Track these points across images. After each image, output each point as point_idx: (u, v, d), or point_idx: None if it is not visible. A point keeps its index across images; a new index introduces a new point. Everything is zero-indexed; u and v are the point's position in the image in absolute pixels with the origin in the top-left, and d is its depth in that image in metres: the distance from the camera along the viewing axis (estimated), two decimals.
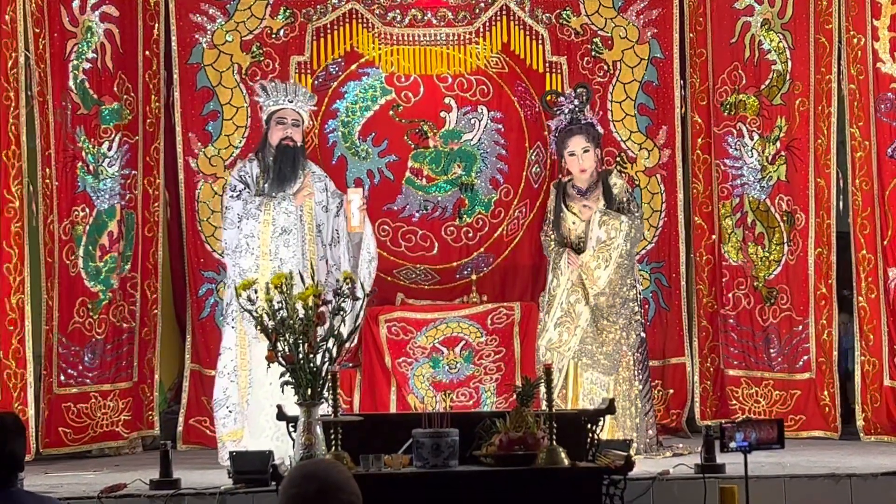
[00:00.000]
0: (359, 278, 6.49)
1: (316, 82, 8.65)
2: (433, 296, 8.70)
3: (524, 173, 8.86)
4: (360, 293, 5.59)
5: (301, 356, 5.40)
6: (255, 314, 5.50)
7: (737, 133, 8.58)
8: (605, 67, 8.75)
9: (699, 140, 8.73)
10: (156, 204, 8.39)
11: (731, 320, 8.56)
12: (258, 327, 5.52)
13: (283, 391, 5.62)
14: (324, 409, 5.48)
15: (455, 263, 8.86)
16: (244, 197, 7.22)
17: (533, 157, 8.87)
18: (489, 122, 8.91)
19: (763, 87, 8.51)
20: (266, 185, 7.28)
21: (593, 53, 8.75)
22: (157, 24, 8.40)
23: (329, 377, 5.41)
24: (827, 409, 8.23)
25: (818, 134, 8.30)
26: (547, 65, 8.69)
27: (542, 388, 5.50)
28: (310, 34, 8.57)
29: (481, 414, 6.25)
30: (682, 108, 8.77)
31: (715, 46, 8.66)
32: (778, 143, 8.47)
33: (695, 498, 5.88)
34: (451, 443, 5.36)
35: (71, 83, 7.89)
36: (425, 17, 8.72)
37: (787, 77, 8.44)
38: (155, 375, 8.36)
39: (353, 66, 8.83)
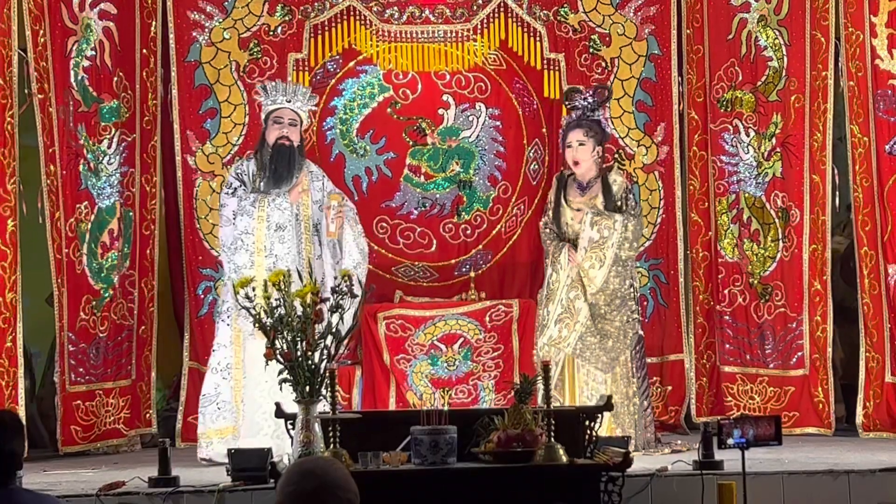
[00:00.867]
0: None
1: (314, 80, 8.64)
2: (432, 293, 8.70)
3: (522, 170, 8.86)
4: (357, 291, 5.60)
5: (299, 353, 5.41)
6: (252, 311, 5.51)
7: (733, 129, 8.58)
8: (603, 64, 8.75)
9: (696, 137, 8.73)
10: (153, 202, 8.39)
11: (727, 317, 8.56)
12: (256, 325, 5.53)
13: (281, 389, 5.63)
14: (321, 406, 5.49)
15: (453, 261, 8.86)
16: (239, 194, 7.23)
17: (531, 154, 8.87)
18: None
19: (759, 83, 8.51)
20: (262, 184, 7.29)
21: (591, 50, 8.75)
22: (154, 22, 8.40)
23: (327, 374, 5.42)
24: (821, 405, 8.23)
25: (813, 130, 8.30)
26: (545, 62, 8.68)
27: (540, 385, 5.51)
28: (307, 31, 8.56)
29: (480, 411, 6.25)
30: (680, 105, 8.77)
31: (712, 43, 8.66)
32: (773, 140, 8.47)
33: (693, 494, 5.89)
34: (449, 440, 5.37)
35: (72, 80, 7.89)
36: (423, 14, 8.71)
37: (784, 73, 8.44)
38: (152, 373, 8.36)
39: (351, 64, 8.82)
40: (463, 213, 8.87)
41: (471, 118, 8.91)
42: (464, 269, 8.78)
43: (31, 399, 8.41)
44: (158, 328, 8.45)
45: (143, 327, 8.28)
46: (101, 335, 7.95)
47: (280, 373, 5.48)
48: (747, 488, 5.58)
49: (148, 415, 8.32)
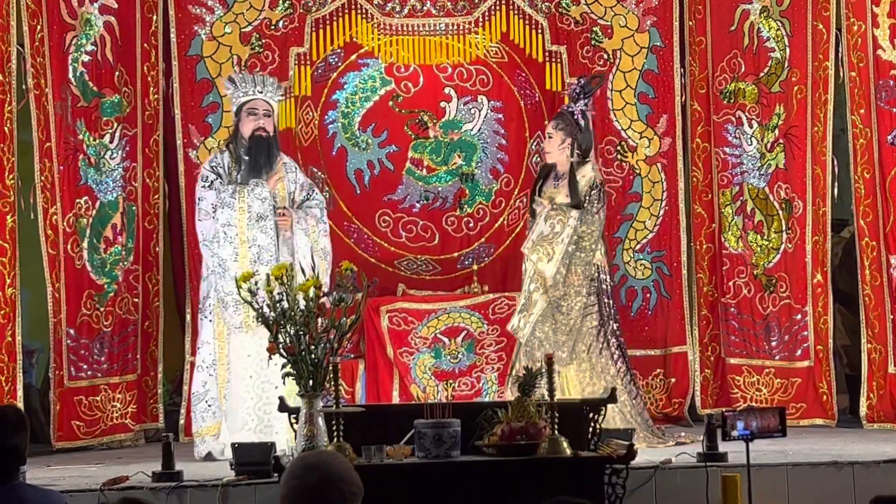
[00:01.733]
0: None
1: (315, 73, 8.64)
2: (434, 286, 8.70)
3: (525, 163, 8.85)
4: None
5: (302, 347, 5.40)
6: (255, 305, 5.50)
7: (736, 121, 8.57)
8: (605, 56, 8.74)
9: (699, 128, 8.72)
10: (156, 196, 8.38)
11: (732, 309, 8.55)
12: (259, 318, 5.52)
13: (284, 383, 5.62)
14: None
15: (456, 254, 8.86)
16: (216, 186, 7.13)
17: (533, 147, 8.86)
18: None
19: (762, 74, 8.50)
20: (239, 176, 7.21)
21: (593, 42, 8.73)
22: (155, 16, 8.39)
23: (331, 368, 5.41)
24: (825, 396, 8.23)
25: (815, 122, 8.29)
26: (547, 54, 8.67)
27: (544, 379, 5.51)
28: (309, 25, 8.55)
29: (483, 404, 6.25)
30: (682, 97, 8.75)
31: (714, 34, 8.64)
32: (776, 131, 8.46)
33: (697, 486, 5.89)
34: (453, 433, 5.36)
35: (70, 76, 7.89)
36: (424, 7, 8.70)
37: (786, 65, 8.43)
38: (158, 368, 8.36)
39: (353, 57, 8.82)
40: (465, 206, 8.87)
41: (473, 111, 8.90)
42: (466, 262, 8.78)
43: (35, 394, 8.40)
44: (163, 322, 8.44)
45: (147, 322, 8.28)
46: (105, 330, 7.95)
47: (283, 367, 5.48)
48: (751, 480, 5.57)
49: (154, 409, 8.32)
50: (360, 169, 8.82)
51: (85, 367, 7.86)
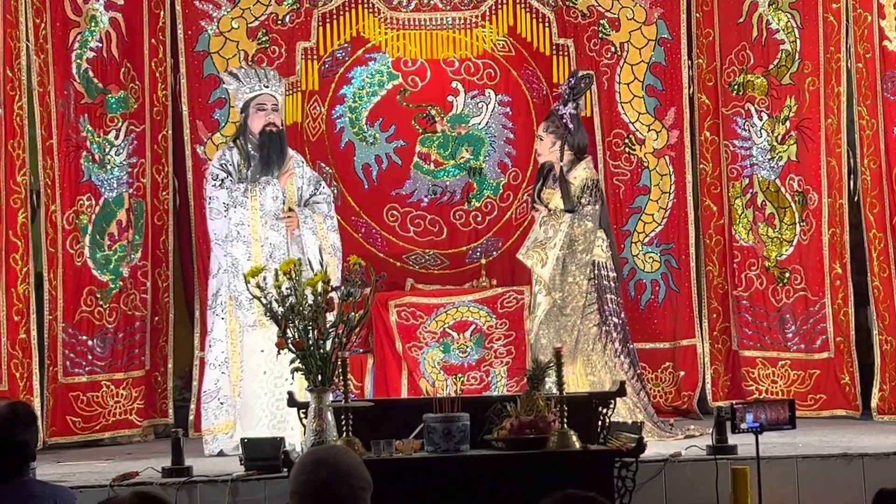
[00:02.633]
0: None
1: (323, 68, 8.64)
2: (443, 280, 8.69)
3: (532, 157, 8.83)
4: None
5: (311, 342, 5.40)
6: (263, 301, 5.50)
7: (745, 113, 8.55)
8: (613, 49, 8.72)
9: (707, 121, 8.70)
10: (164, 192, 8.39)
11: (745, 301, 8.54)
12: (268, 314, 5.53)
13: (293, 377, 5.62)
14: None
15: (464, 248, 8.85)
16: (227, 185, 7.13)
17: None
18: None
19: (771, 66, 8.48)
20: (249, 173, 7.21)
21: (600, 35, 8.72)
22: (162, 12, 8.39)
23: (339, 363, 5.41)
24: (847, 388, 8.21)
25: (828, 113, 8.27)
26: (554, 47, 8.66)
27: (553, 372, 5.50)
28: (316, 20, 8.54)
29: (492, 398, 6.25)
30: (690, 89, 8.74)
31: (722, 26, 8.62)
32: (788, 123, 8.43)
33: (707, 479, 5.88)
34: (462, 427, 5.36)
35: (74, 72, 7.90)
36: (431, 2, 8.69)
37: (796, 56, 8.40)
38: (168, 363, 8.37)
39: (360, 52, 8.81)
40: (473, 201, 8.86)
41: (480, 105, 8.89)
42: (475, 257, 8.77)
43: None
44: (173, 318, 8.45)
45: (157, 318, 8.29)
46: (108, 326, 7.96)
47: (292, 362, 5.48)
48: (761, 473, 5.57)
49: (163, 405, 8.33)
50: (367, 163, 8.82)
51: (83, 363, 7.88)
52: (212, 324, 7.22)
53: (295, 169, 7.30)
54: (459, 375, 7.92)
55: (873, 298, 8.06)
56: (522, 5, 8.64)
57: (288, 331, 5.45)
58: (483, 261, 8.64)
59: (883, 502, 3.36)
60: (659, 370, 8.59)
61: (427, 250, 8.81)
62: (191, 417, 8.25)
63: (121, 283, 8.04)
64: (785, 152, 8.44)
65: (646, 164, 8.71)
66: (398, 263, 8.72)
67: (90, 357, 7.91)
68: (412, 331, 8.23)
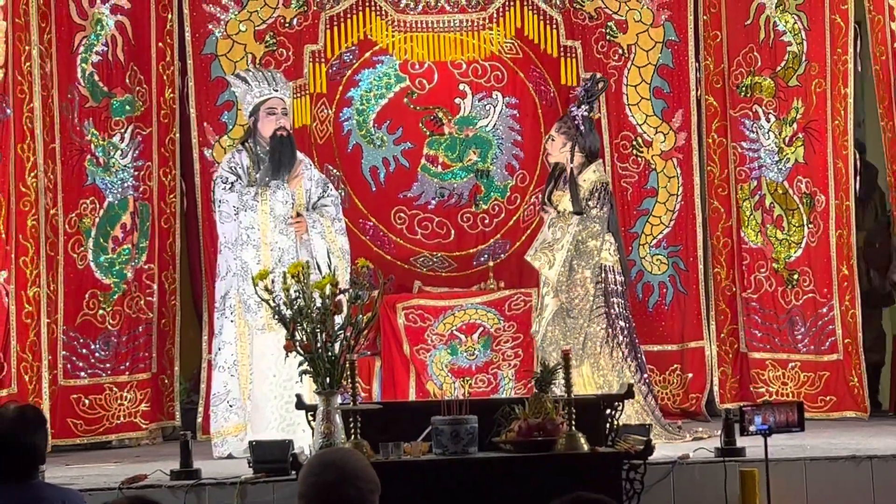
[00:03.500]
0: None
1: (330, 71, 8.65)
2: (450, 283, 8.70)
3: (540, 159, 8.83)
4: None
5: (319, 345, 5.41)
6: (272, 304, 5.51)
7: (753, 115, 8.55)
8: (620, 51, 8.72)
9: (714, 123, 8.69)
10: (172, 195, 8.40)
11: (754, 303, 8.53)
12: (276, 316, 5.53)
13: (301, 380, 5.62)
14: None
15: (472, 250, 8.86)
16: (237, 188, 7.12)
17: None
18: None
19: (779, 68, 8.47)
20: (259, 176, 7.20)
21: (608, 37, 8.72)
22: (170, 15, 8.40)
23: (347, 365, 5.42)
24: (856, 390, 8.20)
25: (835, 115, 8.26)
26: (561, 50, 8.66)
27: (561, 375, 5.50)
28: (323, 23, 8.55)
29: (500, 400, 6.25)
30: (698, 91, 8.73)
31: (730, 28, 8.62)
32: (795, 125, 8.43)
33: (715, 481, 5.88)
34: (470, 430, 5.36)
35: (79, 76, 7.93)
36: (438, 4, 8.70)
37: (803, 58, 8.40)
38: (175, 366, 8.38)
39: (367, 54, 8.82)
40: (481, 203, 8.87)
41: (488, 107, 8.90)
42: (482, 259, 8.77)
43: None
44: (180, 321, 8.47)
45: (164, 320, 8.30)
46: (111, 329, 7.98)
47: (300, 364, 5.48)
48: (769, 475, 5.56)
49: (171, 408, 8.34)
50: (375, 166, 8.82)
51: (84, 365, 7.89)
52: (220, 326, 7.22)
53: (304, 171, 7.30)
54: (467, 378, 7.89)
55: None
56: (530, 7, 8.65)
57: (296, 334, 5.46)
58: (491, 263, 8.64)
59: None
60: (667, 372, 8.58)
61: (435, 253, 8.82)
62: (199, 420, 8.26)
63: (124, 286, 8.05)
64: (792, 154, 8.44)
65: (653, 167, 8.71)
66: (406, 266, 8.73)
67: (91, 360, 7.92)
68: (420, 333, 8.24)
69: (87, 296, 7.92)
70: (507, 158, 8.91)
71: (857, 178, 8.20)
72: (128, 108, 8.14)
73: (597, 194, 7.32)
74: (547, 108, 8.86)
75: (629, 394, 5.92)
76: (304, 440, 6.33)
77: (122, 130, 8.12)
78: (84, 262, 7.93)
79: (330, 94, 8.74)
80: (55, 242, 7.80)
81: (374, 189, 8.83)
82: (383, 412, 5.61)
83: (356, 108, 8.82)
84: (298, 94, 8.38)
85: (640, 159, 8.71)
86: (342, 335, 5.45)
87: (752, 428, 5.58)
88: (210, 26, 8.53)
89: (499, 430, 5.49)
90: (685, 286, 8.69)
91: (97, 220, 7.99)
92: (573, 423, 5.41)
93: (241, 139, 7.58)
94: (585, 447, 5.37)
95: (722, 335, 8.65)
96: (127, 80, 8.14)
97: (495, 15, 8.67)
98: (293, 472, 5.46)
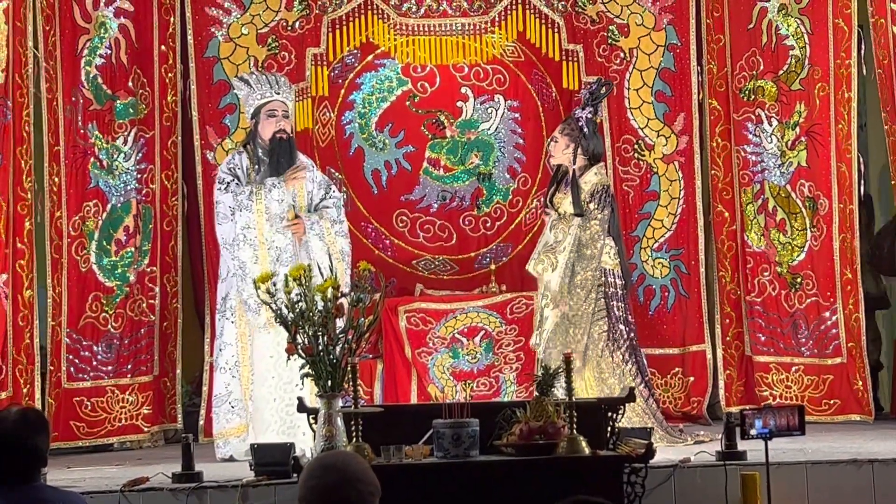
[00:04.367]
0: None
1: (332, 74, 8.66)
2: (452, 286, 8.70)
3: (542, 162, 8.84)
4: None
5: (321, 348, 5.41)
6: (274, 306, 5.51)
7: (756, 119, 8.54)
8: (622, 55, 8.72)
9: (718, 126, 8.69)
10: (174, 198, 8.41)
11: (758, 307, 8.52)
12: (278, 319, 5.54)
13: (303, 383, 5.62)
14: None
15: (474, 253, 8.86)
16: (233, 189, 7.10)
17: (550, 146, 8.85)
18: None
19: (781, 72, 8.47)
20: (258, 177, 7.21)
21: (609, 41, 8.72)
22: (172, 18, 8.41)
23: (349, 368, 5.42)
24: (860, 393, 8.20)
25: (838, 119, 8.26)
26: (563, 53, 8.67)
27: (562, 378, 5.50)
28: (325, 26, 8.56)
29: (501, 403, 6.25)
30: (700, 95, 8.74)
31: (732, 32, 8.62)
32: (798, 129, 8.43)
33: (716, 485, 5.87)
34: (471, 433, 5.37)
35: (83, 79, 7.95)
36: (440, 7, 8.71)
37: (806, 62, 8.40)
38: (177, 369, 8.39)
39: (370, 58, 8.83)
40: (483, 206, 8.87)
41: (489, 110, 8.90)
42: (484, 262, 8.78)
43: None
44: (182, 324, 8.47)
45: (166, 323, 8.31)
46: (113, 331, 7.99)
47: (302, 367, 5.49)
48: (770, 479, 5.56)
49: (173, 410, 8.34)
50: (377, 169, 8.83)
51: (87, 368, 7.91)
52: (221, 328, 7.22)
53: (306, 174, 7.28)
54: (469, 381, 7.92)
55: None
56: (532, 11, 8.65)
57: (298, 336, 5.46)
58: (492, 266, 8.65)
59: None
60: (668, 376, 8.58)
61: (436, 256, 8.82)
62: (201, 423, 8.27)
63: (127, 288, 8.07)
64: (795, 158, 8.44)
65: (655, 170, 8.71)
66: (407, 269, 8.73)
67: (94, 363, 7.94)
68: (422, 336, 8.24)
69: (90, 298, 7.94)
70: (508, 161, 8.92)
71: (861, 181, 8.21)
72: (131, 111, 8.16)
73: (597, 196, 7.31)
74: (549, 112, 8.87)
75: (630, 397, 5.92)
76: (305, 443, 6.34)
77: (126, 133, 8.14)
78: (87, 265, 7.95)
79: (332, 98, 8.75)
80: (59, 245, 7.82)
81: (375, 192, 8.84)
82: (385, 415, 5.61)
83: (358, 112, 8.82)
84: (300, 98, 8.39)
85: (641, 163, 8.71)
86: (344, 338, 5.45)
87: (752, 431, 5.58)
88: (212, 29, 8.54)
89: (500, 433, 5.50)
90: (687, 290, 8.69)
91: (100, 222, 8.01)
92: (574, 426, 5.41)
93: (242, 142, 7.59)
94: (587, 450, 5.37)
95: (727, 338, 8.65)
96: (130, 84, 8.16)
97: (497, 18, 8.68)
98: (294, 475, 5.46)
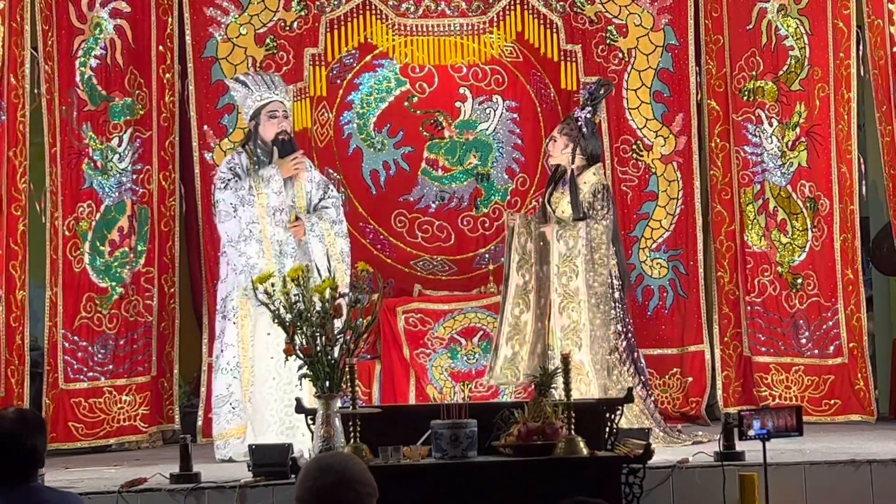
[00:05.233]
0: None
1: (330, 74, 8.65)
2: (450, 286, 8.70)
3: (540, 162, 8.85)
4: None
5: (318, 349, 5.41)
6: (272, 307, 5.51)
7: (755, 119, 8.54)
8: (620, 55, 8.72)
9: (717, 127, 8.69)
10: (172, 198, 8.40)
11: (758, 307, 8.52)
12: (275, 320, 5.53)
13: (300, 384, 5.62)
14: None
15: (472, 254, 8.86)
16: (231, 186, 7.10)
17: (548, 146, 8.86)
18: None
19: (781, 72, 8.48)
20: (255, 169, 7.19)
21: (608, 41, 8.72)
22: (170, 19, 8.41)
23: (347, 369, 5.42)
24: (861, 393, 8.21)
25: (839, 119, 8.27)
26: (561, 53, 8.66)
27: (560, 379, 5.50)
28: (323, 26, 8.56)
29: (500, 404, 6.25)
30: (698, 95, 8.73)
31: (731, 33, 8.62)
32: (798, 129, 8.43)
33: (714, 486, 5.87)
34: (469, 433, 5.36)
35: (78, 80, 7.96)
36: (439, 8, 8.70)
37: (806, 63, 8.40)
38: (175, 369, 8.38)
39: (368, 58, 8.83)
40: (481, 206, 8.87)
41: (488, 111, 8.90)
42: (482, 263, 8.78)
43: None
44: (180, 324, 8.47)
45: (163, 324, 8.31)
46: (108, 332, 7.99)
47: (300, 368, 5.48)
48: (768, 479, 5.56)
49: (171, 411, 8.34)
50: (375, 170, 8.83)
51: (84, 369, 7.91)
52: (222, 329, 7.21)
53: (304, 172, 7.27)
54: (467, 382, 7.89)
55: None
56: (530, 11, 8.64)
57: (296, 337, 5.46)
58: (491, 267, 8.64)
59: None
60: (666, 376, 8.58)
61: (435, 256, 8.82)
62: (199, 423, 8.26)
63: (122, 289, 8.06)
64: (795, 158, 8.44)
65: (653, 170, 8.71)
66: (406, 269, 8.73)
67: (91, 363, 7.94)
68: (420, 337, 8.24)
69: (84, 299, 7.94)
70: (507, 162, 8.92)
71: (862, 182, 8.21)
72: (127, 111, 8.15)
73: (599, 196, 7.30)
74: (547, 112, 8.87)
75: (628, 397, 5.92)
76: (304, 444, 6.33)
77: (121, 134, 8.14)
78: (80, 266, 7.95)
79: (330, 98, 8.74)
80: (57, 245, 7.83)
81: (374, 193, 8.84)
82: (383, 416, 5.60)
83: (356, 112, 8.82)
84: (298, 98, 8.38)
85: (640, 163, 8.71)
86: (342, 339, 5.45)
87: (750, 432, 5.58)
88: (210, 30, 8.53)
89: (498, 434, 5.49)
90: (685, 290, 8.69)
91: (94, 223, 8.01)
92: (572, 426, 5.41)
93: (240, 142, 7.58)
94: (585, 451, 5.37)
95: (725, 339, 8.64)
96: (126, 84, 8.16)
97: (496, 19, 8.68)
98: (293, 476, 5.46)
